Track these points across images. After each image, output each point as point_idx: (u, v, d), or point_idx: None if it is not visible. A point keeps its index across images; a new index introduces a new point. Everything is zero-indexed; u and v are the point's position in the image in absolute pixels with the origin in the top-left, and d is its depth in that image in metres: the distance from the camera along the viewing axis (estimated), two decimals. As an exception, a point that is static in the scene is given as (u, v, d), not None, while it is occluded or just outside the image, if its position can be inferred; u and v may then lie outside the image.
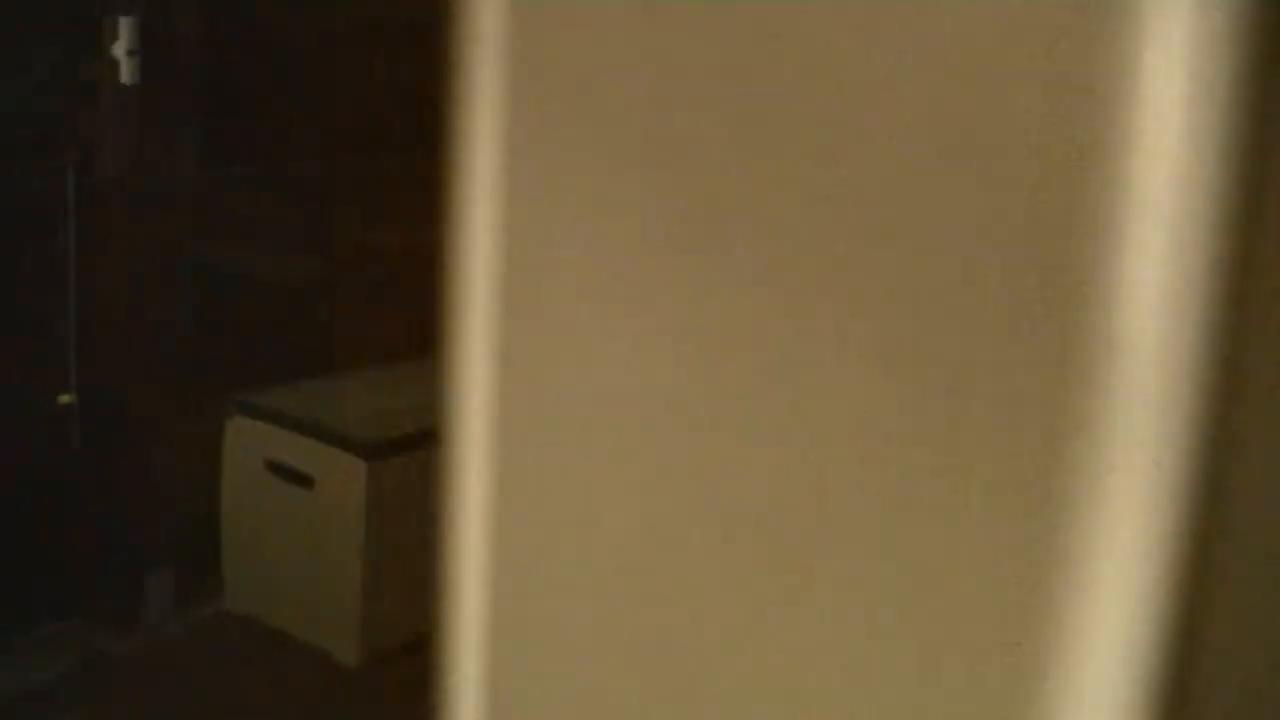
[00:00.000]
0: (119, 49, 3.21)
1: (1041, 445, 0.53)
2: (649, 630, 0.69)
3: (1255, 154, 0.48)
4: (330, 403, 3.59)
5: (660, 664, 0.68)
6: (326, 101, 3.72)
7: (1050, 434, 0.53)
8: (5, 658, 3.25)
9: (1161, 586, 0.51)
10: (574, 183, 0.68)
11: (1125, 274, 0.50)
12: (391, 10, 3.68)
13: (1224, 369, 0.49)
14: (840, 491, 0.60)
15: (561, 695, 0.74)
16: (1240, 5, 0.46)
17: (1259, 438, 0.54)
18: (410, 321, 3.91)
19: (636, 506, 0.68)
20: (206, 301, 3.54)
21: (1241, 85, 0.46)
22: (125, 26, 3.20)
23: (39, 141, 3.18)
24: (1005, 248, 0.53)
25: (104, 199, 3.28)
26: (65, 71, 3.22)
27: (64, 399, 3.26)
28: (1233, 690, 0.57)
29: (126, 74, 3.22)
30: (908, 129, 0.56)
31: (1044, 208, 0.52)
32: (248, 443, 3.57)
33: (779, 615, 0.63)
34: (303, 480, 3.44)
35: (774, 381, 0.61)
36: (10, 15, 3.10)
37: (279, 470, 3.48)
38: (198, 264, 3.48)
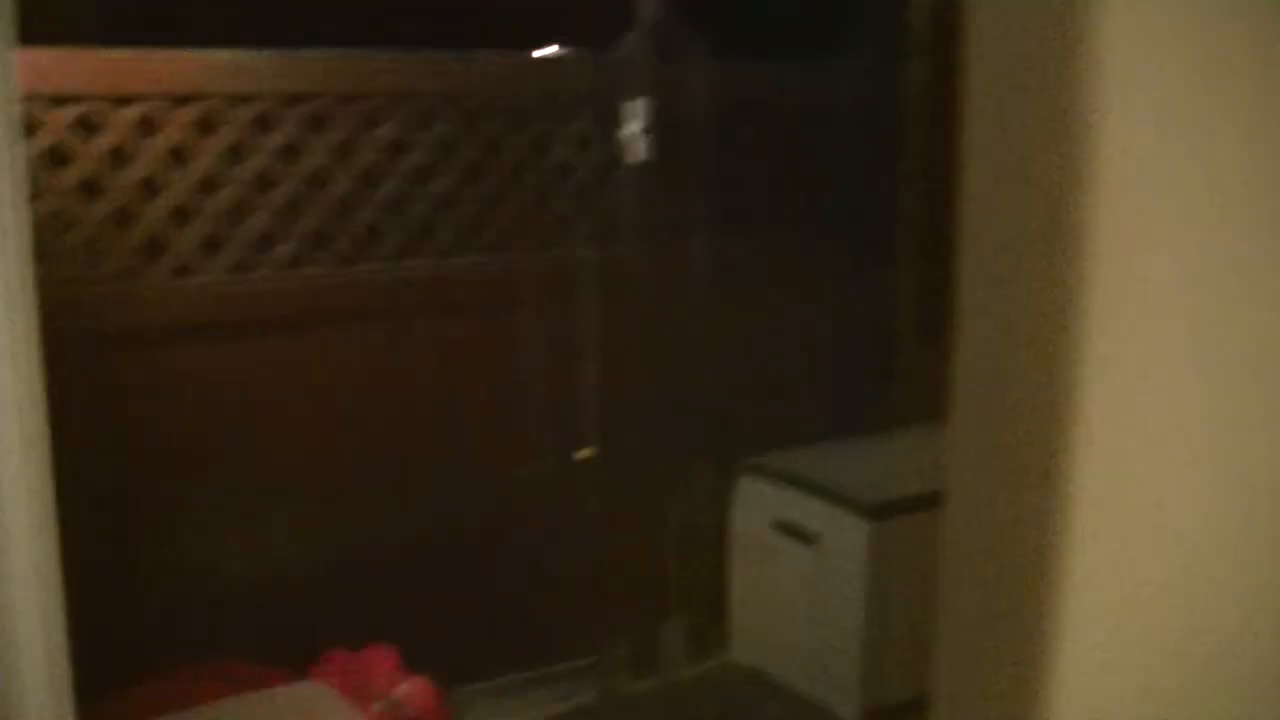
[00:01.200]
0: (632, 130, 3.44)
1: None
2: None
3: None
4: (836, 464, 3.66)
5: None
6: (823, 174, 3.82)
7: None
8: (529, 689, 3.51)
9: None
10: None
11: None
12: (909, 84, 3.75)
13: None
14: None
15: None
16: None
17: None
18: (915, 386, 3.95)
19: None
20: (718, 365, 3.70)
21: None
22: (637, 108, 3.43)
23: (563, 218, 3.46)
24: None
25: (620, 267, 3.50)
26: (585, 153, 3.48)
27: (583, 454, 3.49)
28: None
29: (638, 153, 3.44)
30: None
31: None
32: (756, 502, 3.69)
33: None
34: (807, 538, 3.51)
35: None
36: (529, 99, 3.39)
37: (785, 528, 3.58)
38: (709, 330, 3.65)
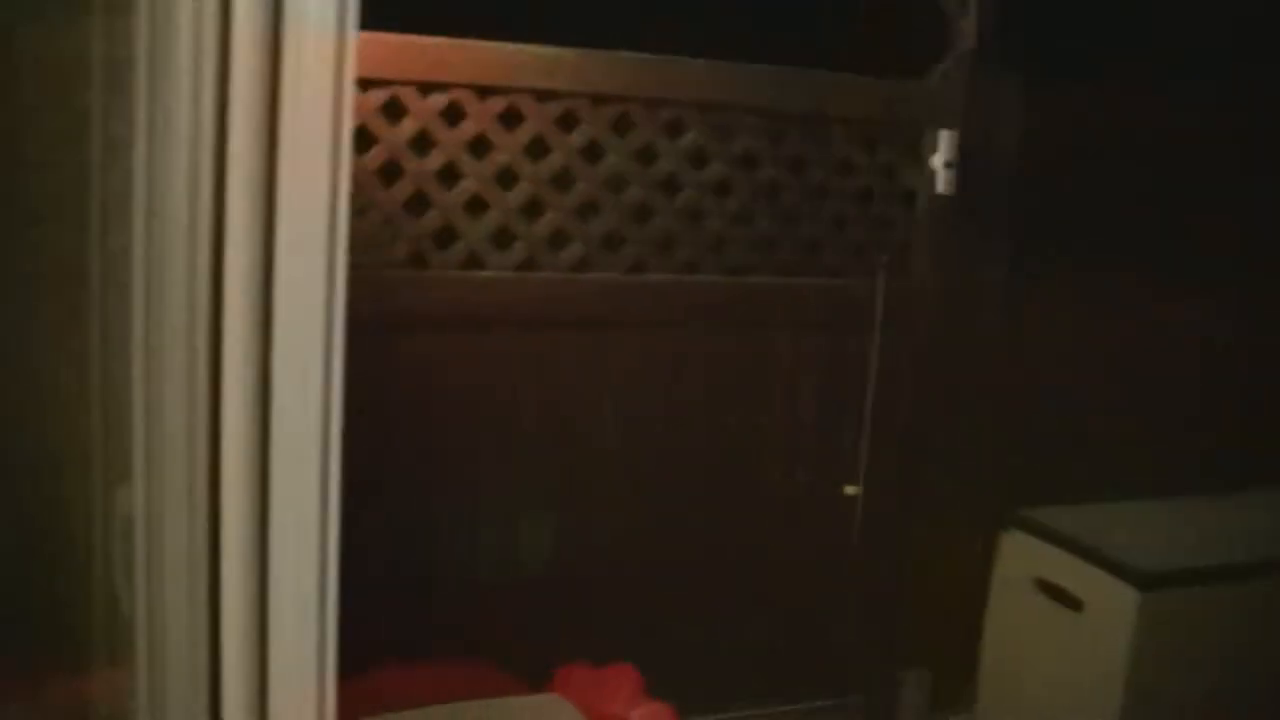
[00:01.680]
0: (937, 160, 3.28)
1: None
2: None
3: None
4: (1108, 526, 3.46)
5: None
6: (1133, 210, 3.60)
7: None
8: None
9: None
10: None
11: None
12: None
13: None
14: None
15: None
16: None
17: None
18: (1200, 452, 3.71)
19: None
20: (1000, 411, 3.53)
21: None
22: (945, 139, 3.27)
23: (859, 244, 3.32)
24: None
25: (913, 300, 3.35)
26: (887, 180, 3.34)
27: (850, 490, 3.37)
28: None
29: (943, 184, 3.29)
30: None
31: None
32: (1019, 557, 3.51)
33: None
34: (1071, 602, 3.33)
35: None
36: (829, 126, 3.26)
37: (1047, 589, 3.40)
38: (999, 372, 3.48)
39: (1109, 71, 3.39)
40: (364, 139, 2.82)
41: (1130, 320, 3.67)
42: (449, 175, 2.92)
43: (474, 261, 2.96)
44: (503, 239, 2.98)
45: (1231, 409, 3.86)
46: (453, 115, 2.89)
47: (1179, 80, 3.43)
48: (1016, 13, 3.31)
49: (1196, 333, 3.78)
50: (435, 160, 2.89)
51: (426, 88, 2.85)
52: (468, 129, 2.90)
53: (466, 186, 2.92)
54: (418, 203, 2.90)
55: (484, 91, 2.90)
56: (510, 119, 2.94)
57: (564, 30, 2.94)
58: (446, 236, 2.93)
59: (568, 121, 2.99)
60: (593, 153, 3.04)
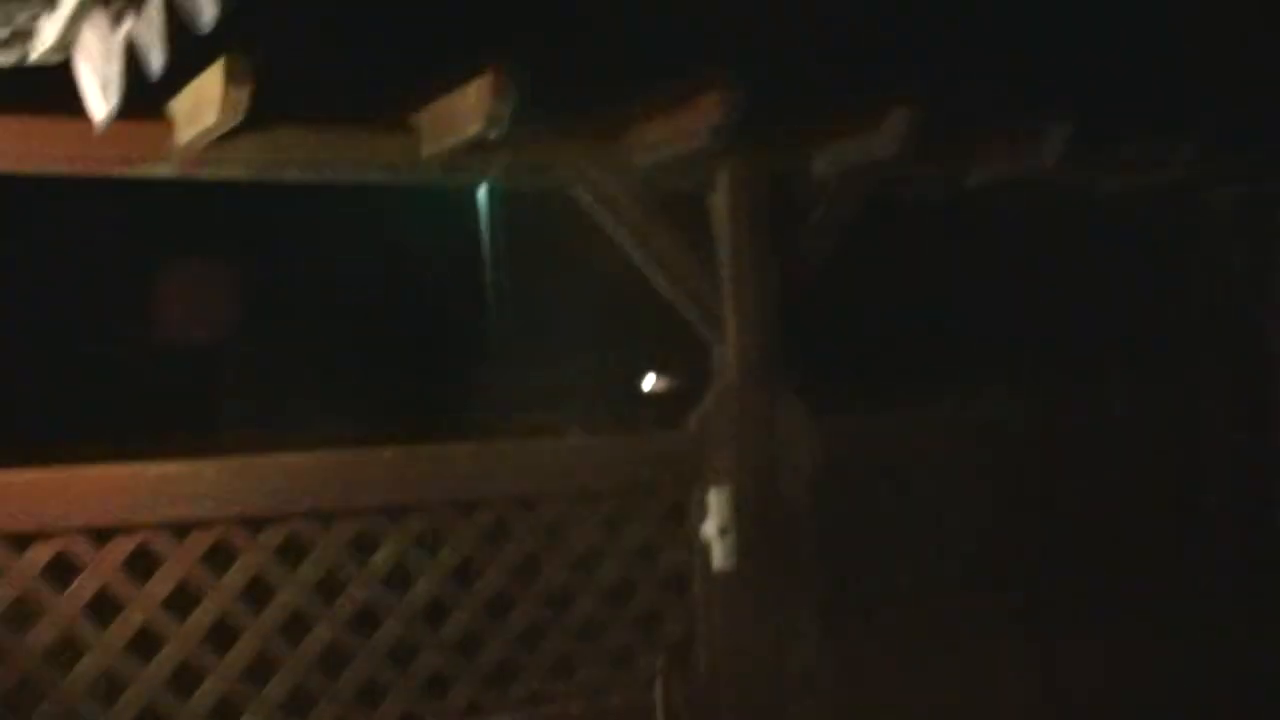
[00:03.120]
0: (709, 528, 2.70)
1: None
2: None
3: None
4: None
5: None
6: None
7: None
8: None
9: None
10: None
11: None
12: None
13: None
14: None
15: None
16: None
17: None
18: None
19: None
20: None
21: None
22: (716, 500, 2.69)
23: (620, 651, 2.66)
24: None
25: (706, 706, 2.70)
26: (647, 564, 2.71)
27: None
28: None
29: (721, 557, 2.68)
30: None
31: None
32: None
33: None
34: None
35: None
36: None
37: None
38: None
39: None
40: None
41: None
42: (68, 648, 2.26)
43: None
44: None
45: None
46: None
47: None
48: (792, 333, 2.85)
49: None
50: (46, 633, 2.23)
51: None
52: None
53: (90, 664, 2.25)
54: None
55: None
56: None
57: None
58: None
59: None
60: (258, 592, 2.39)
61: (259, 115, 2.16)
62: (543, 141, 2.63)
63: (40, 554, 2.23)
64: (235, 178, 2.44)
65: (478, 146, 2.45)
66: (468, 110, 2.31)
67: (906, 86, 2.68)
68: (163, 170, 2.36)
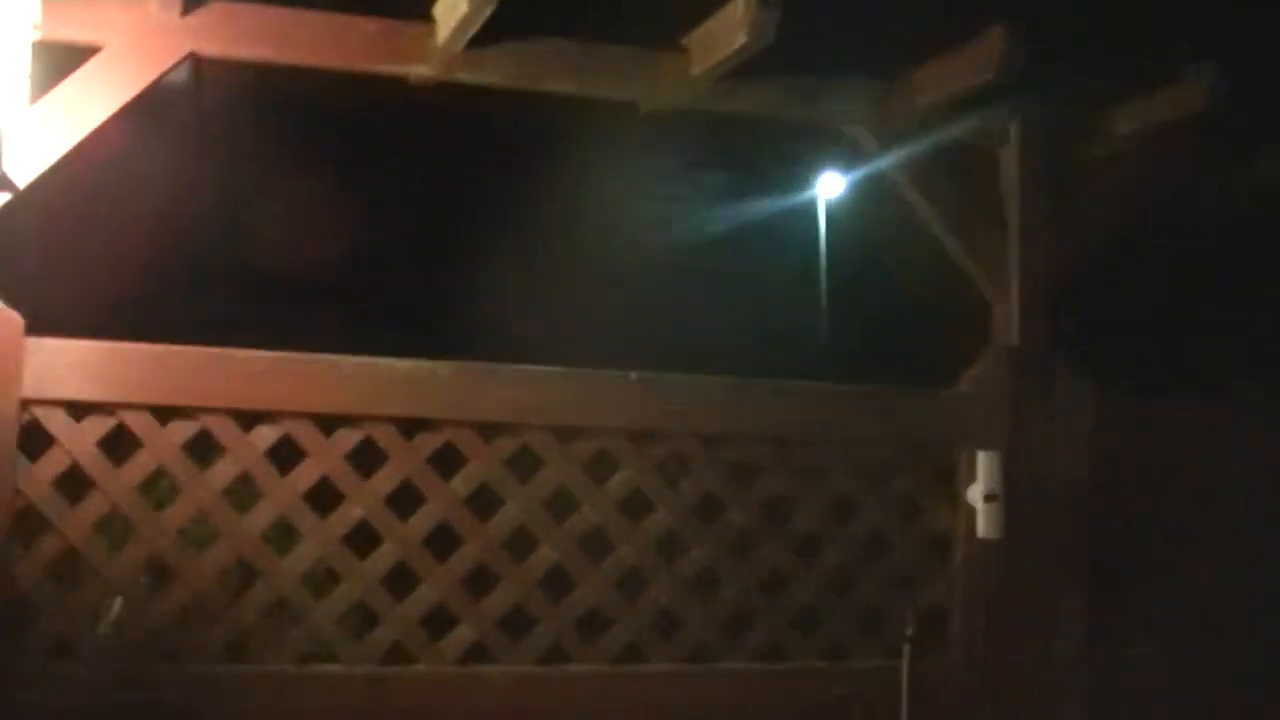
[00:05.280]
0: (975, 493, 2.44)
1: None
2: None
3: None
4: None
5: None
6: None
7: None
8: None
9: None
10: None
11: None
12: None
13: None
14: None
15: None
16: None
17: None
18: None
19: None
20: None
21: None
22: (985, 464, 2.44)
23: (871, 612, 2.43)
24: None
25: (952, 689, 2.44)
26: (907, 523, 2.47)
27: None
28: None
29: (985, 525, 2.42)
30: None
31: None
32: None
33: None
34: None
35: None
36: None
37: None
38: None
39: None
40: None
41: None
42: (285, 534, 2.19)
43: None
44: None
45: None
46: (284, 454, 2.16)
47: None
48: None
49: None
50: (264, 515, 2.14)
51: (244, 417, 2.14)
52: (306, 473, 2.16)
53: (305, 553, 2.15)
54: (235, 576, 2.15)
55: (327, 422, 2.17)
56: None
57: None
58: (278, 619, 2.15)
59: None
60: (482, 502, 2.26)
61: (516, 24, 2.09)
62: (817, 74, 2.46)
63: (263, 436, 2.17)
64: (493, 83, 2.36)
65: (749, 73, 2.31)
66: (733, 22, 2.18)
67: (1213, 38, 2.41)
68: (420, 70, 2.29)
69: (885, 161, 2.56)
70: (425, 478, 2.24)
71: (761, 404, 2.45)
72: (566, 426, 2.30)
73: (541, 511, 2.29)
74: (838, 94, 2.52)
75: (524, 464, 2.31)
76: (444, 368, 2.25)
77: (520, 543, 2.29)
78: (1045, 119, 2.61)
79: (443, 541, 2.26)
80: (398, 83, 2.28)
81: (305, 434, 2.17)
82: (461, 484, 2.25)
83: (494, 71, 2.33)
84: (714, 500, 2.38)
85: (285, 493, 2.16)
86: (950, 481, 2.52)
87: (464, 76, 2.32)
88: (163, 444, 2.11)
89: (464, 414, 2.25)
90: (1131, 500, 2.60)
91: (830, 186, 6.61)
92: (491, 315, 4.14)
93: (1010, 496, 2.45)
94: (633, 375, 2.36)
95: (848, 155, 2.66)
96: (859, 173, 2.71)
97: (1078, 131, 2.68)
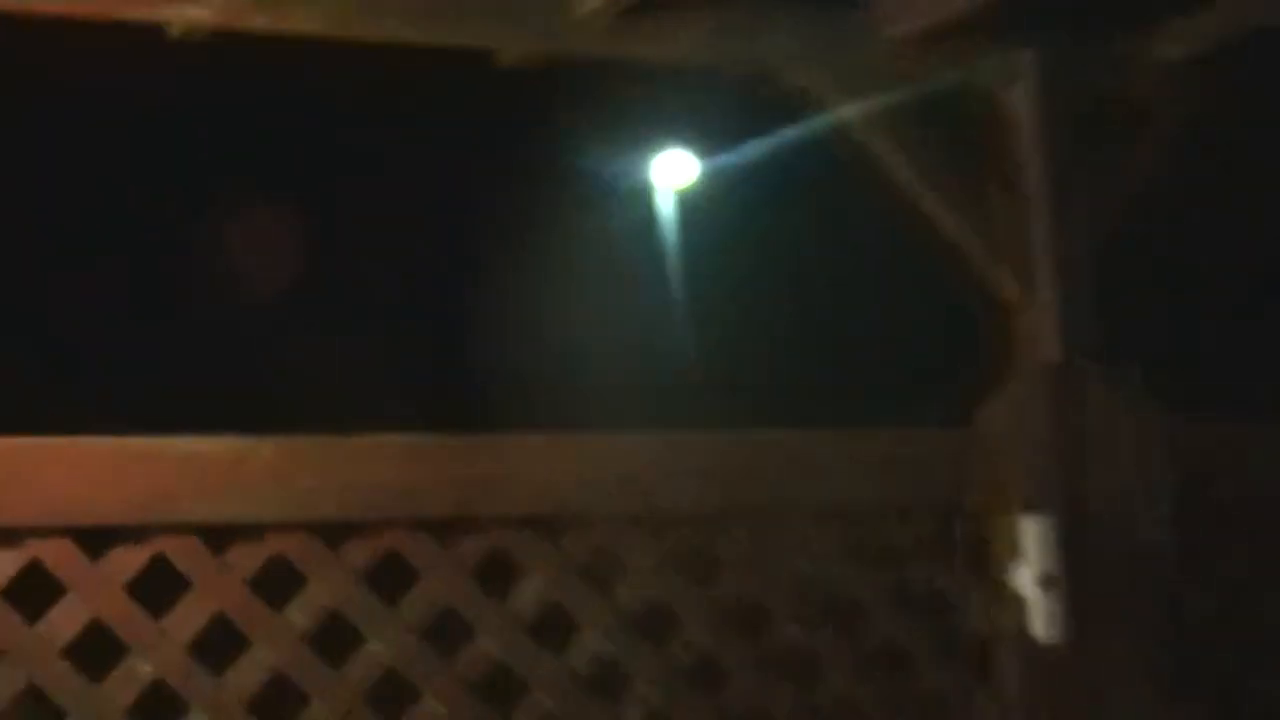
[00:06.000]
0: (1024, 578, 1.80)
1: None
2: None
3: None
4: None
5: None
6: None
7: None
8: None
9: None
10: None
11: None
12: None
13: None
14: None
15: None
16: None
17: None
18: None
19: None
20: None
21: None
22: (1033, 534, 1.80)
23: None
24: None
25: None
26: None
27: None
28: None
29: (1043, 623, 1.77)
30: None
31: None
32: None
33: None
34: None
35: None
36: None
37: None
38: None
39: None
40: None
41: None
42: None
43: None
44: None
45: None
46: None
47: None
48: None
49: None
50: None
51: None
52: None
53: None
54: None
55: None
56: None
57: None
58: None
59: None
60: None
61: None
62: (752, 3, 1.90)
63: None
64: (302, 30, 1.71)
65: (664, 10, 1.78)
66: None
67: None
68: (193, 12, 1.64)
69: (849, 114, 1.95)
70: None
71: (704, 464, 1.79)
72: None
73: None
74: (784, 27, 1.91)
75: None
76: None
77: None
78: (1068, 45, 2.02)
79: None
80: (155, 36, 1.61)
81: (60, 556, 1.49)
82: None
83: (303, 17, 1.73)
84: (663, 611, 1.72)
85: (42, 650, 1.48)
86: (985, 562, 1.88)
87: (260, 23, 1.71)
88: None
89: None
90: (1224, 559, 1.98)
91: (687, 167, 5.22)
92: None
93: (1071, 578, 1.80)
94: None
95: (796, 110, 2.03)
96: (812, 134, 2.08)
97: (1112, 60, 2.08)
